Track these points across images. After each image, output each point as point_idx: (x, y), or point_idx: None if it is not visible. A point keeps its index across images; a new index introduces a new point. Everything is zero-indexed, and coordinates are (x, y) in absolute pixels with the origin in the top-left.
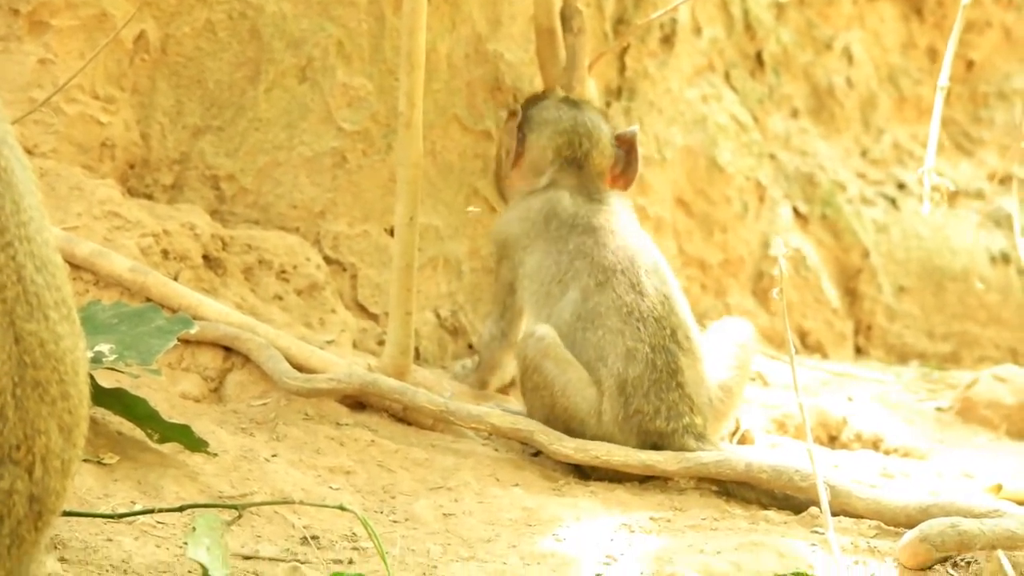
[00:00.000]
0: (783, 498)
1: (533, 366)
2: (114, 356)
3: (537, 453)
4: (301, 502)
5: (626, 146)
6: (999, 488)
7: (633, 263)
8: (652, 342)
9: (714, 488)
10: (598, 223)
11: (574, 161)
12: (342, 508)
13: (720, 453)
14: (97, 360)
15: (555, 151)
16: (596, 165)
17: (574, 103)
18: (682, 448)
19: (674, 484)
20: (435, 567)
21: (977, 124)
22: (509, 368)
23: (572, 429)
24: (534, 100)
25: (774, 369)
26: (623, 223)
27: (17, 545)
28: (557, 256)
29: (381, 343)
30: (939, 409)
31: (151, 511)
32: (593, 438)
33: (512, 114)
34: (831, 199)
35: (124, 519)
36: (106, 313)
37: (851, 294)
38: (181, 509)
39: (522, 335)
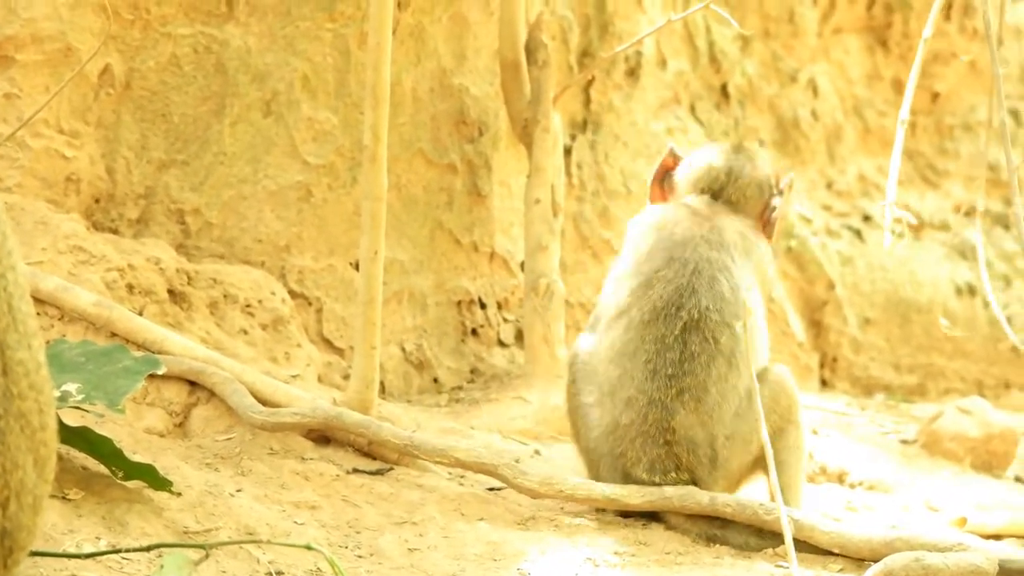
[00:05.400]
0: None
1: (571, 380)
2: (81, 396)
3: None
4: (269, 541)
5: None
6: (964, 521)
7: (679, 311)
8: (653, 396)
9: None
10: (689, 254)
11: (713, 195)
12: (308, 547)
13: (684, 488)
14: (63, 399)
15: (693, 184)
16: (736, 203)
17: (737, 148)
18: None
19: (638, 518)
20: None
21: (943, 156)
22: None
23: (579, 453)
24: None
25: None
26: (720, 259)
27: None
28: (635, 277)
29: (346, 377)
30: (904, 442)
31: (119, 551)
32: (595, 468)
33: (671, 154)
34: (796, 231)
35: (91, 557)
36: (73, 352)
37: (816, 326)
38: (149, 549)
39: (573, 348)
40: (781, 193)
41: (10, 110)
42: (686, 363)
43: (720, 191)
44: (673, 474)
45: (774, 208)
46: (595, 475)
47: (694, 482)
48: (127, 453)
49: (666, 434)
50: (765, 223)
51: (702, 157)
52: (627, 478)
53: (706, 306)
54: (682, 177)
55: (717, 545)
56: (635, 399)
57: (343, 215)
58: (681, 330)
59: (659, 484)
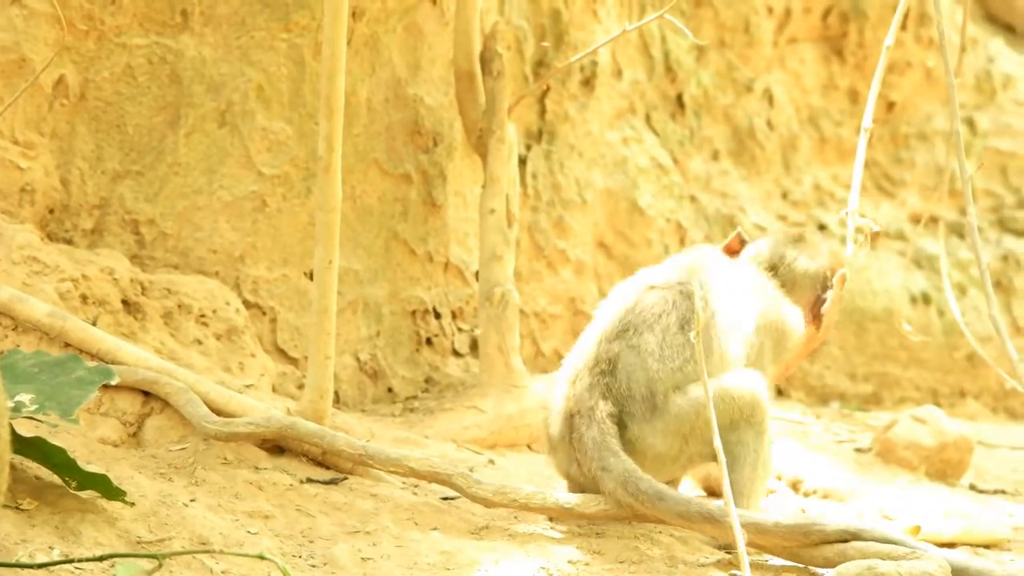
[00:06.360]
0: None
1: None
2: (35, 406)
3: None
4: (222, 551)
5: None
6: (917, 529)
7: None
8: (601, 338)
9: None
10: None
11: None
12: (262, 557)
13: None
14: (17, 409)
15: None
16: (789, 288)
17: (797, 238)
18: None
19: (591, 528)
20: None
21: (898, 165)
22: None
23: (544, 433)
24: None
25: None
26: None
27: None
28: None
29: (301, 387)
30: (859, 450)
31: (72, 560)
32: (550, 438)
33: (738, 238)
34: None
35: (44, 567)
36: (27, 362)
37: None
38: (102, 559)
39: None
40: (832, 287)
41: None
42: (632, 314)
43: (773, 274)
44: (593, 401)
45: (823, 301)
46: (550, 445)
47: (622, 417)
48: (80, 463)
49: (603, 364)
50: (815, 315)
51: (763, 243)
52: (567, 422)
53: (662, 280)
54: (744, 259)
55: (673, 552)
56: (585, 345)
57: (297, 225)
58: (634, 292)
59: (579, 411)
